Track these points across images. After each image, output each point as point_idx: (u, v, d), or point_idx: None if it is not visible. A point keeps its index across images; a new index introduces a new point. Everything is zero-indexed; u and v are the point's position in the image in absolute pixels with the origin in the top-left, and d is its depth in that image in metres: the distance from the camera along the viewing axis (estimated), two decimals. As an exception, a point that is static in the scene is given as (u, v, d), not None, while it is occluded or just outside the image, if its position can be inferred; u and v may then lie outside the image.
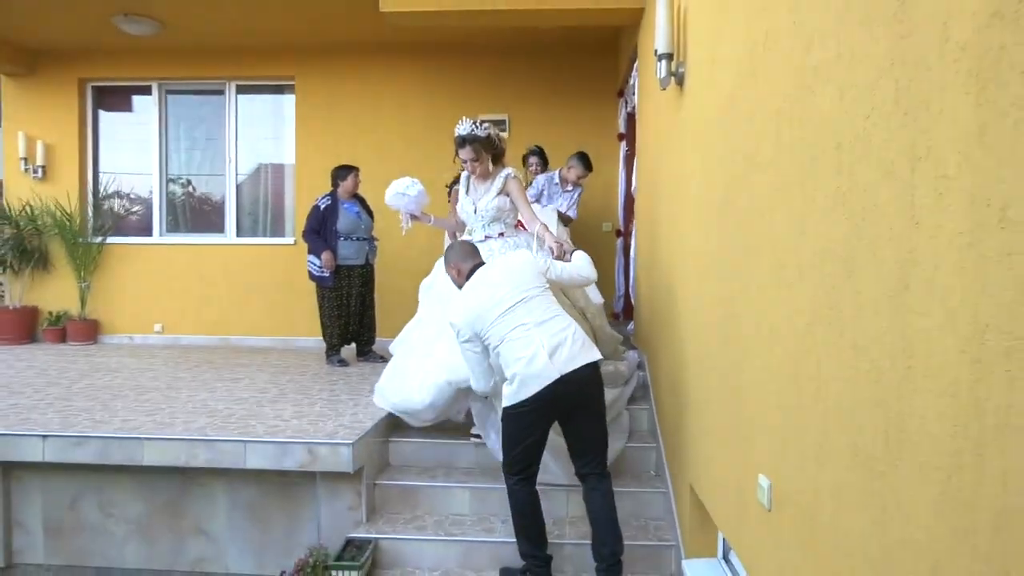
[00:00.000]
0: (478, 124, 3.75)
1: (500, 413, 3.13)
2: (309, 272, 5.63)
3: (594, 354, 2.99)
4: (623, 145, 6.39)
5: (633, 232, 5.41)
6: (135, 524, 3.86)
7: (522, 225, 3.94)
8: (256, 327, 7.24)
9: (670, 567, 3.45)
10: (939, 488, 1.12)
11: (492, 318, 2.94)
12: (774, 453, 1.94)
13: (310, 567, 3.36)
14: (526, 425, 2.96)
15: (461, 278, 3.22)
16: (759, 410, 2.08)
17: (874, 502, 1.34)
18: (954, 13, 1.09)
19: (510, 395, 2.91)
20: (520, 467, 3.05)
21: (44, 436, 3.63)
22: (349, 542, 3.49)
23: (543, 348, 2.85)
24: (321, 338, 5.91)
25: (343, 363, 5.73)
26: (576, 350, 2.91)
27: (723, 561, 3.07)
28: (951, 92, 1.10)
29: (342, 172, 5.71)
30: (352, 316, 5.72)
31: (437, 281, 4.12)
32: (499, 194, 3.81)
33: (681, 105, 3.38)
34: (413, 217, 4.25)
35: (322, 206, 5.59)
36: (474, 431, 3.96)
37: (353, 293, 5.67)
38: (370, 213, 5.81)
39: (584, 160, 5.68)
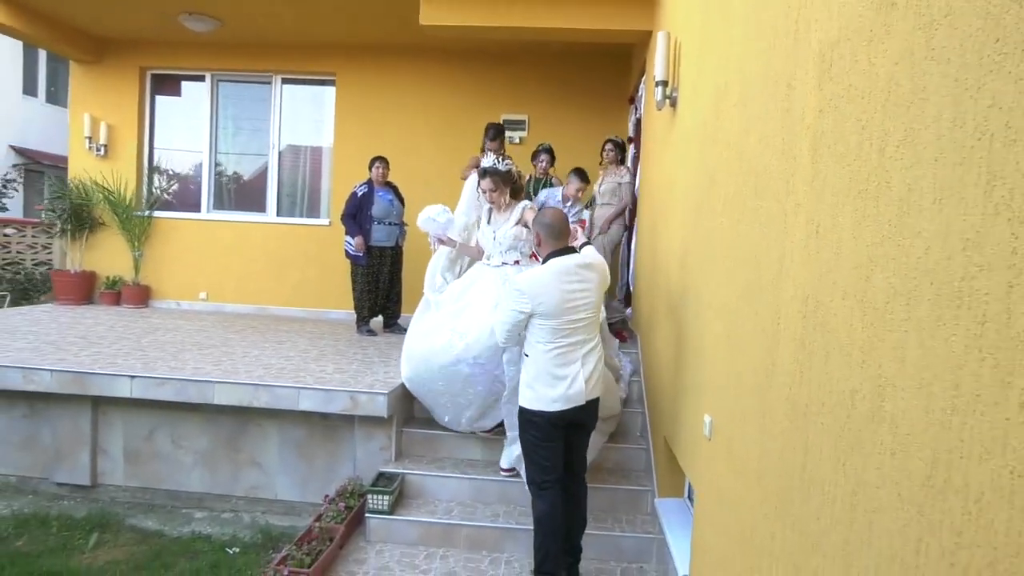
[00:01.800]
0: (500, 160, 4.18)
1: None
2: (346, 251, 6.34)
3: (601, 388, 3.40)
4: (631, 148, 7.03)
5: (635, 228, 6.07)
6: (201, 455, 4.60)
7: (536, 257, 4.33)
8: (291, 299, 7.99)
9: (647, 507, 4.14)
10: (786, 393, 1.80)
11: (552, 309, 3.10)
12: (715, 397, 2.63)
13: (349, 492, 4.09)
14: (548, 433, 3.21)
15: (540, 249, 3.34)
16: (711, 369, 2.77)
17: (758, 413, 2.02)
18: (807, 104, 1.76)
19: (537, 400, 3.18)
20: (546, 470, 3.25)
21: (132, 377, 4.37)
22: (381, 475, 4.21)
23: (582, 373, 3.17)
24: (351, 310, 6.64)
25: (372, 332, 6.46)
26: (601, 385, 3.35)
27: (687, 500, 3.77)
28: (804, 151, 1.77)
29: (370, 163, 6.41)
30: (381, 292, 6.44)
31: (467, 282, 4.40)
32: (517, 223, 4.17)
33: (673, 124, 4.04)
34: (440, 241, 4.64)
35: (359, 193, 6.29)
36: (504, 466, 4.25)
37: (384, 271, 6.38)
38: (401, 200, 6.50)
39: (580, 174, 5.91)
